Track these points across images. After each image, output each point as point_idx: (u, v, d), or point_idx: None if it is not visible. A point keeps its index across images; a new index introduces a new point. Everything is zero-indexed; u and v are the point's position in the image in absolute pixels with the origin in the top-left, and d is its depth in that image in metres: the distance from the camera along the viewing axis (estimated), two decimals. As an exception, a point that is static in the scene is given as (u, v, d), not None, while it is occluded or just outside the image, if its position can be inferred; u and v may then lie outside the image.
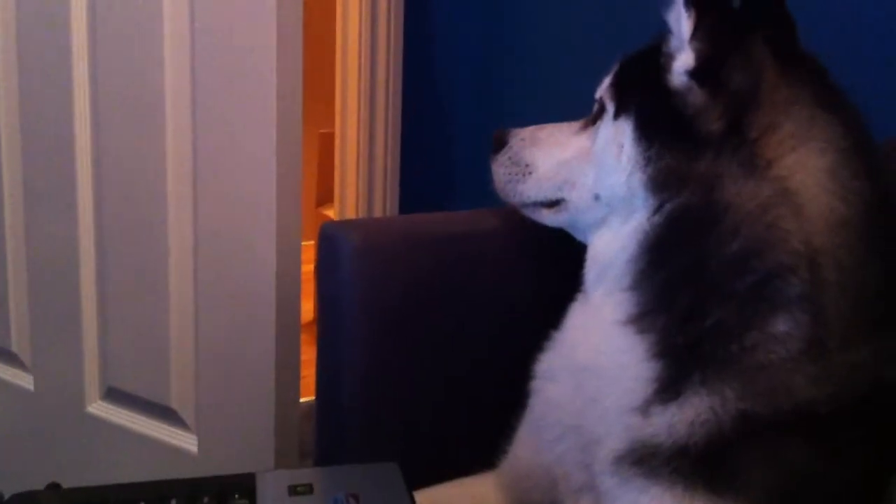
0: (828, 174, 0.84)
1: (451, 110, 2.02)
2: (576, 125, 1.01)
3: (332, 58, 2.14)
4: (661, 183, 0.86)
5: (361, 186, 2.10)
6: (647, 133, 0.87)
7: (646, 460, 0.84)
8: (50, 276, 1.67)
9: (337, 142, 2.18)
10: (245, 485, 0.95)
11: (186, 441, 1.55)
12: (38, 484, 1.01)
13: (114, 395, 1.63)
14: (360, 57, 2.04)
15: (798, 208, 0.82)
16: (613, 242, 0.91)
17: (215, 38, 1.38)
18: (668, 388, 0.84)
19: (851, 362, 0.82)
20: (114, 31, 1.50)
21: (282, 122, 1.35)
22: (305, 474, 0.98)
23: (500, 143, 1.06)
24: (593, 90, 0.99)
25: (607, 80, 0.96)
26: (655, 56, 0.90)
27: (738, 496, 0.81)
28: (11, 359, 1.76)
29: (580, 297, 0.97)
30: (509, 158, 1.04)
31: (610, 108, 0.93)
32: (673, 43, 0.88)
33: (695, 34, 0.84)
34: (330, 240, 1.05)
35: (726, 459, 0.82)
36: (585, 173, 0.96)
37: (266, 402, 1.45)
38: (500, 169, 1.05)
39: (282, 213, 1.38)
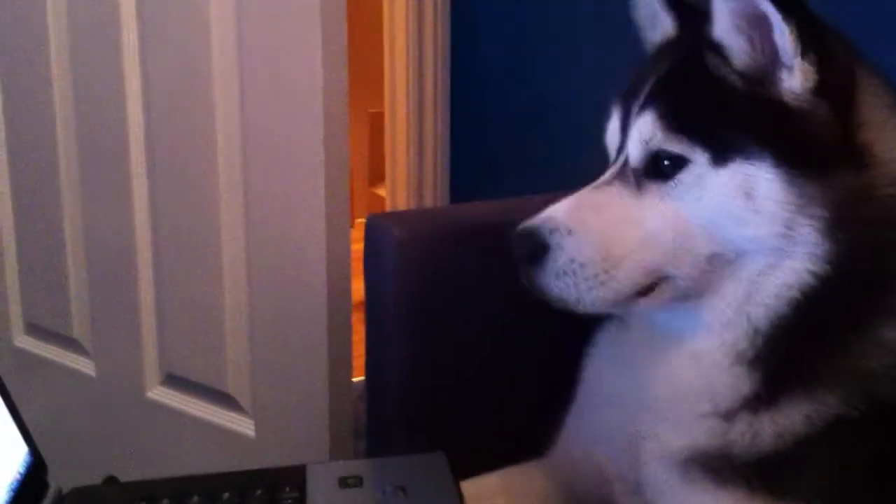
0: None
1: (500, 87, 2.01)
2: (617, 189, 0.84)
3: (381, 36, 2.14)
4: (832, 221, 0.77)
5: (412, 166, 2.10)
6: (794, 170, 0.76)
7: (719, 465, 0.82)
8: (108, 264, 1.70)
9: (386, 121, 2.18)
10: (295, 477, 0.97)
11: (244, 425, 1.57)
12: (102, 468, 1.05)
13: (173, 380, 1.67)
14: (407, 36, 2.04)
15: None
16: (747, 301, 0.80)
17: (261, 26, 1.39)
18: (762, 398, 0.81)
19: None
20: (162, 22, 1.52)
21: (328, 107, 1.36)
22: (355, 466, 0.99)
23: (538, 249, 0.82)
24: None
25: (652, 128, 0.82)
26: (707, 83, 0.81)
27: (796, 501, 0.80)
28: (73, 345, 1.81)
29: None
30: (568, 266, 0.81)
31: (699, 157, 0.79)
32: (741, 60, 0.80)
33: (805, 48, 0.76)
34: (374, 232, 1.06)
35: (797, 464, 0.80)
36: (690, 239, 0.80)
37: (320, 385, 1.46)
38: (558, 282, 0.82)
39: (330, 198, 1.38)
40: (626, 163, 0.84)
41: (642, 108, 0.83)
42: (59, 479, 1.00)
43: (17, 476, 0.92)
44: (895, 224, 0.79)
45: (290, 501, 0.92)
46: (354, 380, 1.54)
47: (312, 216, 1.38)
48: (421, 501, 0.92)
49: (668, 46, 0.91)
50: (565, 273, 0.81)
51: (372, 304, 1.10)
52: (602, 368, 0.96)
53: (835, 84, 0.78)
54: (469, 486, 1.01)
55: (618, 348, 0.93)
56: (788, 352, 0.80)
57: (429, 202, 2.09)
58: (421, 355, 1.10)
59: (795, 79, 0.78)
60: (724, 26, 0.80)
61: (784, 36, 0.77)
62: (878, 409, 0.79)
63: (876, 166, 0.78)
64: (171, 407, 1.66)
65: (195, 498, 0.94)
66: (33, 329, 1.90)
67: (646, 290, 0.82)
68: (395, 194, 2.19)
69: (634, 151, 0.83)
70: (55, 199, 1.76)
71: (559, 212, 0.83)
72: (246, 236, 1.49)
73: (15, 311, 1.92)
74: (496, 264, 0.89)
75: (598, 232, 0.82)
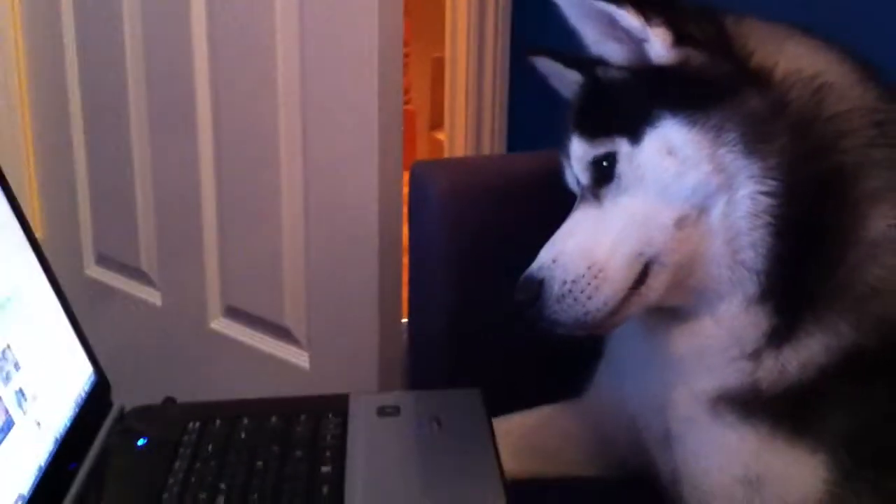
0: (816, 46, 0.89)
1: (562, 32, 2.01)
2: (582, 210, 0.92)
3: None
4: (747, 139, 0.83)
5: (470, 112, 2.12)
6: (691, 112, 0.84)
7: (747, 401, 0.86)
8: (175, 200, 1.78)
9: (446, 66, 2.20)
10: (339, 405, 1.03)
11: (299, 357, 1.64)
12: (163, 392, 1.12)
13: (233, 312, 1.75)
14: None
15: (828, 84, 0.85)
16: (732, 249, 0.85)
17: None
18: (782, 333, 0.85)
19: None
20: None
21: (383, 53, 1.39)
22: (394, 397, 1.06)
23: (534, 289, 0.88)
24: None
25: (580, 146, 0.91)
26: (603, 90, 0.92)
27: (815, 437, 0.84)
28: (141, 276, 1.90)
29: None
30: (562, 288, 0.86)
31: (622, 145, 0.87)
32: (619, 58, 0.90)
33: (648, 18, 0.86)
34: (419, 180, 1.10)
35: (820, 396, 0.84)
36: (651, 216, 0.86)
37: (370, 322, 1.52)
38: (561, 305, 0.87)
39: (383, 141, 1.43)
40: (582, 188, 0.92)
41: (570, 139, 0.92)
42: (123, 400, 1.08)
43: (83, 394, 1.00)
44: (819, 123, 0.84)
45: (332, 426, 0.99)
46: (405, 319, 1.60)
47: (366, 162, 1.43)
48: (453, 433, 0.98)
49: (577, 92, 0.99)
50: (563, 295, 0.86)
51: (415, 249, 1.16)
52: (624, 335, 1.00)
53: (697, 33, 0.86)
54: (502, 423, 1.07)
55: (636, 321, 0.96)
56: (791, 279, 0.84)
57: (486, 148, 2.11)
58: (460, 300, 1.15)
59: (655, 45, 0.86)
60: (593, 40, 0.91)
61: (626, 20, 0.87)
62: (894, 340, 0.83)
63: (783, 82, 0.85)
64: (231, 338, 1.74)
65: (245, 420, 1.01)
66: (103, 259, 2.00)
67: (640, 280, 0.87)
68: (454, 140, 2.21)
69: (580, 173, 0.92)
70: (125, 137, 1.83)
71: (542, 253, 0.90)
72: (304, 178, 1.54)
73: (86, 242, 2.02)
74: (537, 213, 0.94)
75: (577, 249, 0.88)
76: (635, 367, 0.99)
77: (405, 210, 1.48)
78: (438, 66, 3.03)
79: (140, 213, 1.86)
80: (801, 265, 0.84)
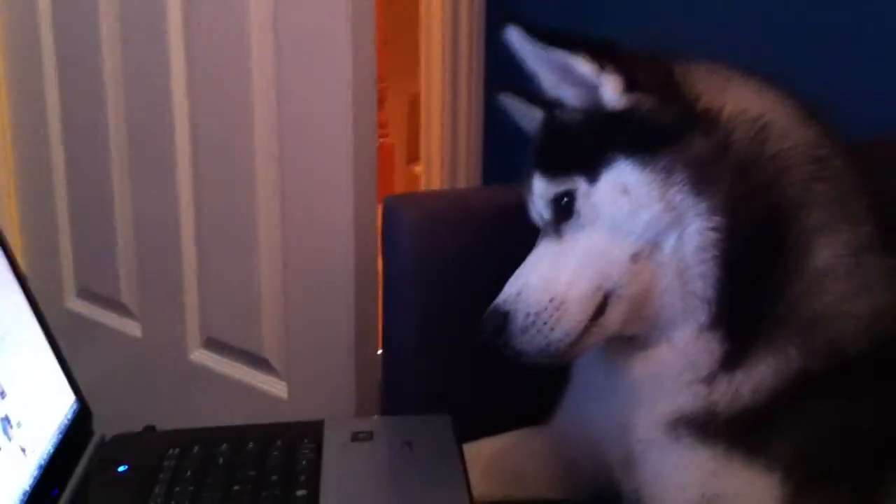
0: (760, 87, 0.94)
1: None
2: (544, 245, 0.96)
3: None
4: (694, 178, 0.88)
5: (445, 146, 2.16)
6: (643, 155, 0.89)
7: (703, 423, 0.90)
8: (155, 234, 1.80)
9: (421, 101, 2.24)
10: (314, 431, 1.07)
11: (277, 388, 1.67)
12: (144, 421, 1.15)
13: (213, 344, 1.77)
14: (443, 15, 2.08)
15: (770, 123, 0.90)
16: (683, 281, 0.90)
17: (295, 19, 1.47)
18: (734, 358, 0.90)
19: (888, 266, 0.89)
20: (206, 12, 1.61)
21: (357, 88, 1.42)
22: (367, 423, 1.10)
23: (499, 321, 0.92)
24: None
25: (540, 184, 0.96)
26: (561, 131, 0.97)
27: (769, 458, 0.88)
28: (121, 309, 1.92)
29: None
30: (526, 320, 0.91)
31: (580, 184, 0.92)
32: (575, 102, 0.95)
33: (601, 65, 0.91)
34: (390, 212, 1.15)
35: (773, 419, 0.88)
36: (607, 251, 0.91)
37: (347, 353, 1.55)
38: (525, 337, 0.91)
39: (358, 176, 1.46)
40: (545, 222, 0.97)
41: (532, 175, 0.97)
42: (105, 429, 1.11)
43: (66, 422, 1.03)
44: (762, 161, 0.89)
45: (307, 451, 1.03)
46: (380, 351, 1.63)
47: (341, 195, 1.46)
48: (424, 456, 1.02)
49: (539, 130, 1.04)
50: (527, 327, 0.91)
51: (388, 279, 1.20)
52: (588, 362, 1.04)
53: (647, 79, 0.91)
54: (472, 447, 1.10)
55: (599, 349, 1.00)
56: (740, 307, 0.89)
57: (462, 182, 2.15)
58: (432, 329, 1.19)
59: (608, 91, 0.91)
60: (550, 84, 0.96)
61: (581, 66, 0.92)
62: (843, 364, 0.88)
63: (728, 122, 0.90)
64: (211, 368, 1.76)
65: (224, 446, 1.04)
66: (85, 293, 2.02)
67: (600, 311, 0.91)
68: (430, 173, 2.25)
69: (542, 208, 0.97)
70: (106, 173, 1.86)
71: (507, 287, 0.94)
72: (281, 212, 1.58)
73: (68, 275, 2.04)
74: (506, 245, 0.98)
75: (539, 283, 0.92)
76: (599, 393, 1.03)
77: (380, 243, 1.53)
78: (416, 101, 3.07)
79: (120, 248, 1.88)
80: (750, 294, 0.89)
